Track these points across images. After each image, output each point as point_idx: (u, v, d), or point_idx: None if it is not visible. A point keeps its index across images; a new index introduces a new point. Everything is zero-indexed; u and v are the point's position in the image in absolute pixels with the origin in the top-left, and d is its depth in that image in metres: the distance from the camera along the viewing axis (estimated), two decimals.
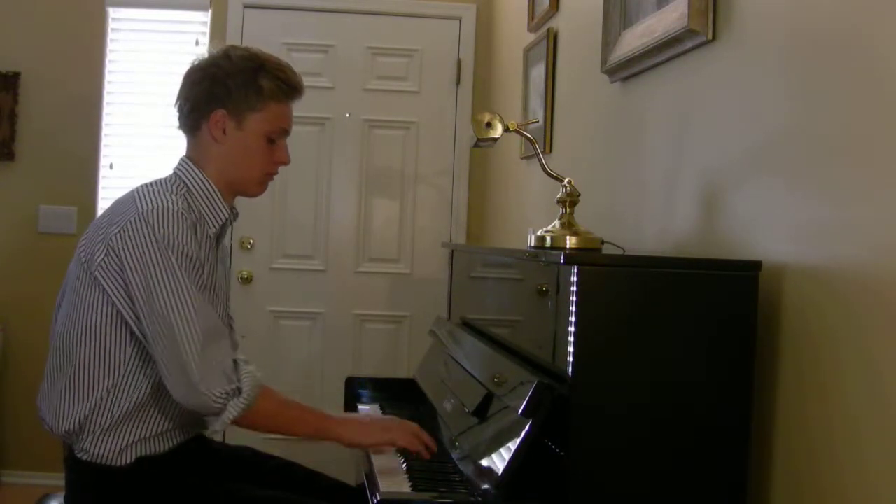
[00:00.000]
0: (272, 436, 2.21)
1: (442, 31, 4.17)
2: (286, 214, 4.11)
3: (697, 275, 1.47)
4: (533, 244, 1.86)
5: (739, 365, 1.44)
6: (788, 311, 1.44)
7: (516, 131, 2.03)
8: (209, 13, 4.08)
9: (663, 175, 1.98)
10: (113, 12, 4.08)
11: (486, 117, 1.98)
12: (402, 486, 1.64)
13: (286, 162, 1.91)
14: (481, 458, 1.61)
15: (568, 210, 1.87)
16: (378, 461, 1.80)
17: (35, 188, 4.00)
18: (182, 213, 1.72)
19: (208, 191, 1.84)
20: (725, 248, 1.65)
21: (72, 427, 1.74)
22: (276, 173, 1.92)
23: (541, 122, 2.95)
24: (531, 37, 3.24)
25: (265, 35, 3.97)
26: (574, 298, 1.42)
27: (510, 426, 1.56)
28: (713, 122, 1.75)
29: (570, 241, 1.79)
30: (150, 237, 1.68)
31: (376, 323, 4.14)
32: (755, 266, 1.46)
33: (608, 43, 2.24)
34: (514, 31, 3.61)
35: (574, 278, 1.43)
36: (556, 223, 1.85)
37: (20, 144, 3.99)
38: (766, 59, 1.56)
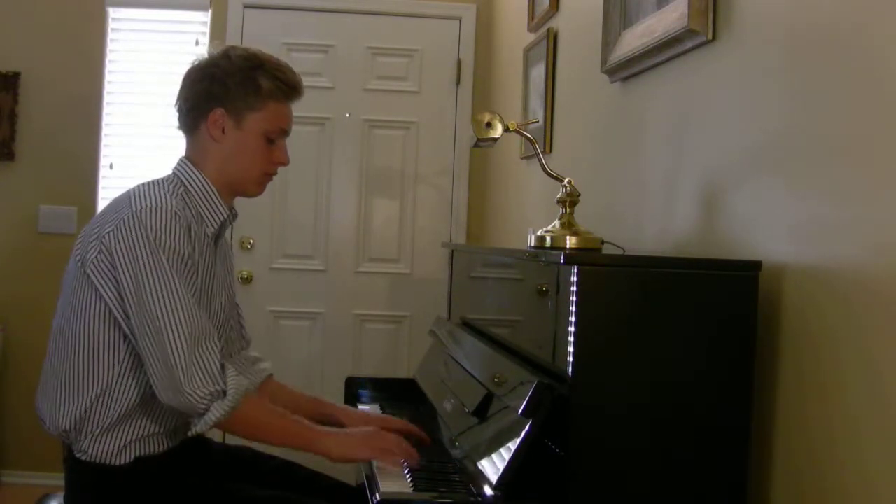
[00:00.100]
0: None
1: (442, 31, 4.16)
2: (286, 214, 4.11)
3: (697, 275, 1.47)
4: (533, 244, 1.86)
5: (739, 365, 1.44)
6: (788, 310, 1.44)
7: (516, 131, 2.03)
8: (209, 13, 4.09)
9: (663, 175, 1.98)
10: (113, 12, 4.08)
11: (486, 117, 1.98)
12: (403, 486, 1.64)
13: (285, 162, 1.90)
14: (481, 458, 1.61)
15: (568, 210, 1.87)
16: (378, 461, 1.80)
17: (35, 188, 4.00)
18: (176, 213, 1.72)
19: (206, 190, 1.84)
20: (725, 248, 1.65)
21: (69, 426, 1.74)
22: (275, 173, 1.92)
23: (541, 122, 2.95)
24: (531, 37, 3.24)
25: (265, 35, 3.97)
26: (574, 298, 1.42)
27: (510, 426, 1.56)
28: (713, 122, 1.75)
29: (570, 241, 1.79)
30: (142, 236, 1.68)
31: (376, 323, 4.14)
32: (755, 266, 1.46)
33: (608, 43, 2.24)
34: (514, 31, 3.61)
35: (574, 278, 1.43)
36: (556, 223, 1.85)
37: (20, 144, 3.99)
38: (766, 59, 1.56)
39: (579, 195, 1.89)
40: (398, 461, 1.74)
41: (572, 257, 1.47)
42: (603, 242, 1.85)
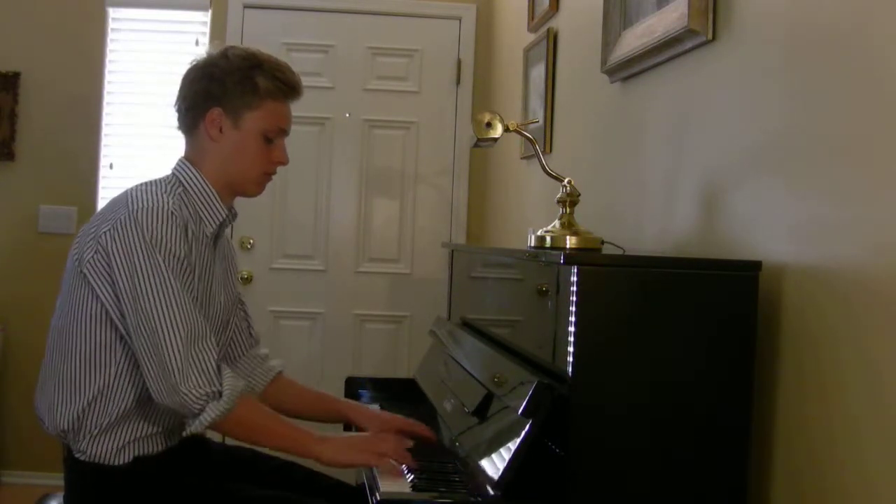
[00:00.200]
0: None
1: (442, 31, 4.16)
2: (286, 214, 4.11)
3: (697, 275, 1.47)
4: (533, 244, 1.86)
5: (739, 365, 1.44)
6: (788, 310, 1.44)
7: (516, 131, 2.03)
8: (209, 13, 4.09)
9: (663, 175, 1.98)
10: (113, 12, 4.08)
11: (486, 117, 1.98)
12: (402, 486, 1.64)
13: (284, 162, 1.90)
14: (481, 458, 1.61)
15: (568, 210, 1.87)
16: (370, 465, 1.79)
17: (35, 188, 4.00)
18: (172, 213, 1.71)
19: (205, 191, 1.84)
20: (725, 248, 1.65)
21: (67, 426, 1.74)
22: (274, 173, 1.91)
23: (541, 122, 2.95)
24: (531, 37, 3.24)
25: (265, 35, 3.97)
26: (574, 298, 1.42)
27: (510, 426, 1.56)
28: (713, 122, 1.75)
29: (570, 241, 1.79)
30: (138, 236, 1.68)
31: (376, 323, 4.14)
32: (755, 266, 1.46)
33: (608, 43, 2.24)
34: (514, 31, 3.60)
35: (574, 278, 1.43)
36: (556, 223, 1.85)
37: (20, 144, 3.99)
38: (766, 59, 1.56)
39: (579, 195, 1.89)
40: (393, 466, 1.72)
41: (572, 257, 1.47)
42: (603, 242, 1.85)
